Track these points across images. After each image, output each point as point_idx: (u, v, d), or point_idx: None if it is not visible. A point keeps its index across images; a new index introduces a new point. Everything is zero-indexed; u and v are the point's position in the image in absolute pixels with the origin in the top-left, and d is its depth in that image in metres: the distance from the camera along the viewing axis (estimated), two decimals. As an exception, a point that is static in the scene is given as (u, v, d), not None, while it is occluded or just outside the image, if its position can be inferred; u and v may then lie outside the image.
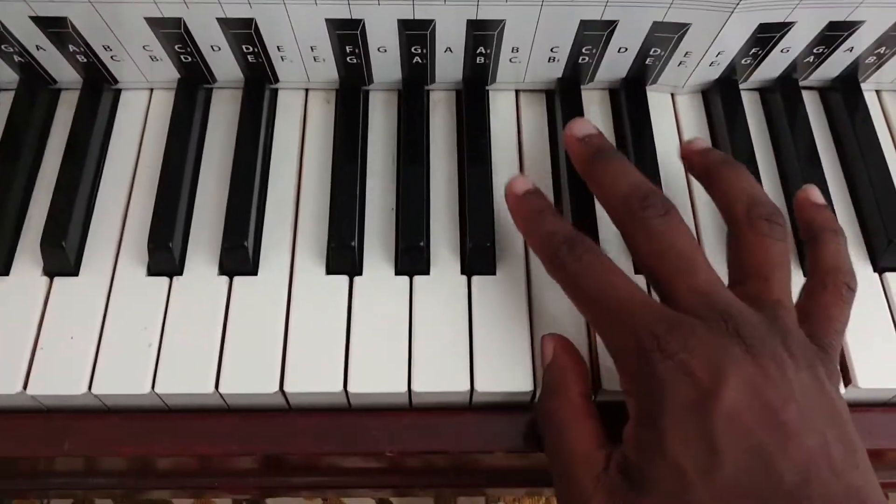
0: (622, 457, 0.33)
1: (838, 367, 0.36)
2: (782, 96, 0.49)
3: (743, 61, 0.47)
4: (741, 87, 0.50)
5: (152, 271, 0.43)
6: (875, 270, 0.44)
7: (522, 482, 0.55)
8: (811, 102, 0.51)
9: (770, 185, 0.47)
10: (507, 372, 0.41)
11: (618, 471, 0.33)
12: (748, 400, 0.31)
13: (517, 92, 0.50)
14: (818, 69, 0.49)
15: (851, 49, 0.46)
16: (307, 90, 0.50)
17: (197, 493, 0.61)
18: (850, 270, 0.39)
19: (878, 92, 0.51)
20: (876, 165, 0.46)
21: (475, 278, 0.43)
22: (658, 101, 0.50)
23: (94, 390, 0.40)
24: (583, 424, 0.36)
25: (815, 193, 0.42)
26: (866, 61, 0.48)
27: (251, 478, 0.51)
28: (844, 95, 0.49)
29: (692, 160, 0.43)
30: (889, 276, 0.44)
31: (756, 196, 0.38)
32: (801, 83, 0.50)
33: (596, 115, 0.49)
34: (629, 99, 0.48)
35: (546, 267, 0.38)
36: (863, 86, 0.50)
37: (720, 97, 0.48)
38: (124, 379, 0.40)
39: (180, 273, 0.43)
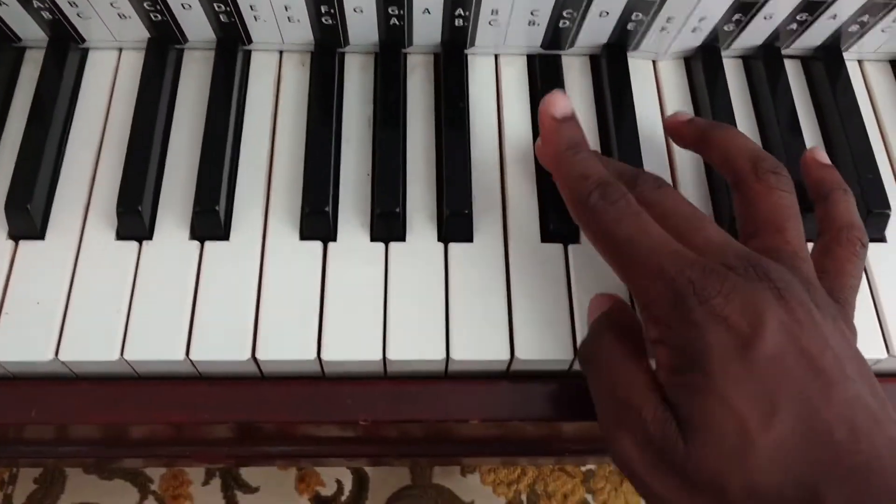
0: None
1: (854, 324, 0.36)
2: (765, 65, 0.48)
3: (725, 28, 0.46)
4: (724, 54, 0.49)
5: (121, 235, 0.42)
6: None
7: (498, 452, 0.55)
8: (793, 71, 0.50)
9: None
10: (483, 340, 0.40)
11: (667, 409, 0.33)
12: (787, 345, 0.31)
13: (496, 57, 0.49)
14: (801, 37, 0.48)
15: (835, 17, 0.46)
16: (281, 52, 0.48)
17: (169, 461, 0.61)
18: (862, 227, 0.39)
19: (860, 62, 0.51)
20: (856, 136, 0.46)
21: (452, 246, 0.43)
22: (639, 67, 0.49)
23: (62, 357, 0.39)
24: (642, 362, 0.35)
25: (821, 154, 0.42)
26: (849, 30, 0.47)
27: (224, 447, 0.51)
28: (826, 65, 0.49)
29: (681, 132, 0.43)
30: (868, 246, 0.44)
31: (757, 151, 0.39)
32: (784, 52, 0.49)
33: (576, 81, 0.49)
34: (610, 65, 0.48)
35: (572, 207, 0.38)
36: (845, 55, 0.49)
37: (702, 64, 0.48)
38: (92, 345, 0.39)
39: (150, 237, 0.42)
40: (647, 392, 0.34)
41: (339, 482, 0.68)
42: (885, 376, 0.42)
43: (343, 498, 0.68)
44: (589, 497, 0.68)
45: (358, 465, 0.67)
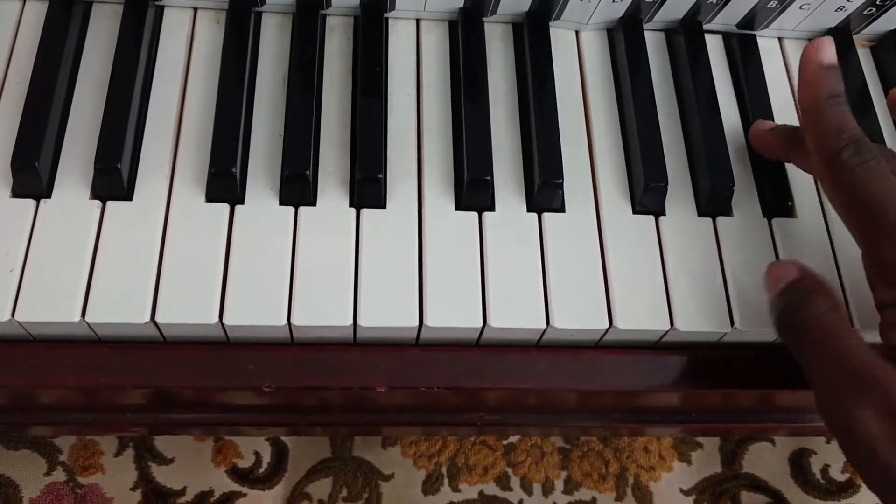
0: None
1: None
2: (686, 38, 0.48)
3: (647, -1, 0.46)
4: (646, 27, 0.49)
5: (17, 192, 0.40)
6: (765, 216, 0.45)
7: (417, 422, 0.55)
8: (715, 47, 0.50)
9: (671, 127, 0.47)
10: (393, 307, 0.40)
11: None
12: None
13: (418, 21, 0.48)
14: (722, 12, 0.48)
15: (754, -8, 0.46)
16: (196, 9, 0.47)
17: (79, 430, 0.59)
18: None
19: (780, 39, 0.51)
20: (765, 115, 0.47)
21: (364, 211, 0.42)
22: (562, 37, 0.48)
23: (-51, 316, 0.37)
24: (851, 329, 0.35)
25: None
26: (768, 6, 0.47)
27: (135, 413, 0.49)
28: (740, 42, 0.49)
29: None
30: (776, 221, 0.44)
31: None
32: (706, 26, 0.49)
33: (498, 49, 0.48)
34: (532, 34, 0.47)
35: (819, 160, 0.37)
36: (765, 32, 0.50)
37: (623, 36, 0.48)
38: (-19, 305, 0.38)
39: (48, 195, 0.41)
40: (882, 362, 0.33)
41: (257, 454, 0.67)
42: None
43: (261, 470, 0.67)
44: (510, 470, 0.68)
45: (275, 434, 0.66)
